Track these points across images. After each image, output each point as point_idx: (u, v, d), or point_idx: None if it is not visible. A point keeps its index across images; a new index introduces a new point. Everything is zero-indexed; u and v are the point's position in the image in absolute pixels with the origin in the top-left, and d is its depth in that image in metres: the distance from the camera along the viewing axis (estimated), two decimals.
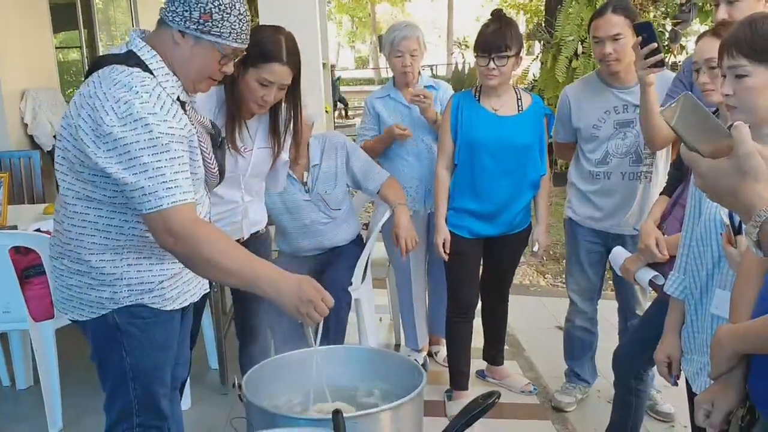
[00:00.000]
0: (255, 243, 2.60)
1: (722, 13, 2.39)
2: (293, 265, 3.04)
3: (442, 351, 3.57)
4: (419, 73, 3.35)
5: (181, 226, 1.62)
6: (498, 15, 2.92)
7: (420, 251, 3.28)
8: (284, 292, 1.60)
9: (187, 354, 2.18)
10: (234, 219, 2.58)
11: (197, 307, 2.19)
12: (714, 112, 2.01)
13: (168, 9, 1.72)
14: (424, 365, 3.37)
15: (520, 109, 2.95)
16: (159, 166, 1.61)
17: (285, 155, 2.64)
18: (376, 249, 3.37)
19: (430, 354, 3.64)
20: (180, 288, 1.91)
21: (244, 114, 2.46)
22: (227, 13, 1.71)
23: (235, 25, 1.73)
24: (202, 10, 1.68)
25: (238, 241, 2.43)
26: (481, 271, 3.19)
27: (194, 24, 1.70)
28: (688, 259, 1.92)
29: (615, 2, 2.82)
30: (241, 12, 1.75)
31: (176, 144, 1.65)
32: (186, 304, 1.95)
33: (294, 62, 2.33)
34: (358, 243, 3.27)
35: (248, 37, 1.80)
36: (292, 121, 2.52)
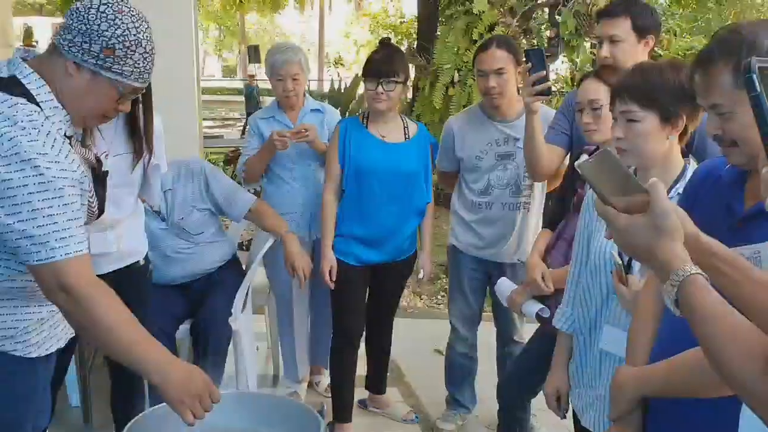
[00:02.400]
0: (131, 278, 2.36)
1: (605, 52, 2.50)
2: (169, 298, 2.89)
3: (324, 381, 3.50)
4: (304, 95, 3.28)
5: (77, 283, 1.46)
6: (387, 42, 2.98)
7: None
8: (172, 381, 1.49)
9: (49, 399, 1.97)
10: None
11: (66, 347, 1.99)
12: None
13: (64, 37, 1.53)
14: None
15: (407, 136, 2.97)
16: (50, 213, 1.44)
17: (162, 163, 2.40)
18: (256, 274, 3.24)
19: (310, 384, 3.55)
20: (47, 333, 1.71)
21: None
22: (132, 50, 1.55)
23: (138, 64, 1.57)
24: (104, 45, 1.52)
25: (107, 275, 2.18)
26: (366, 298, 3.15)
27: (93, 58, 1.52)
28: (577, 293, 1.97)
29: (499, 38, 2.93)
30: (147, 50, 1.58)
31: (69, 188, 1.48)
32: (52, 350, 1.76)
33: None
34: (236, 267, 3.13)
35: (150, 75, 1.65)
36: (145, 126, 2.24)
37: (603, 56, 2.49)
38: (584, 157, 1.13)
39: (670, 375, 1.35)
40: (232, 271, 3.08)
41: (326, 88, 12.72)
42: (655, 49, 2.76)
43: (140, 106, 2.21)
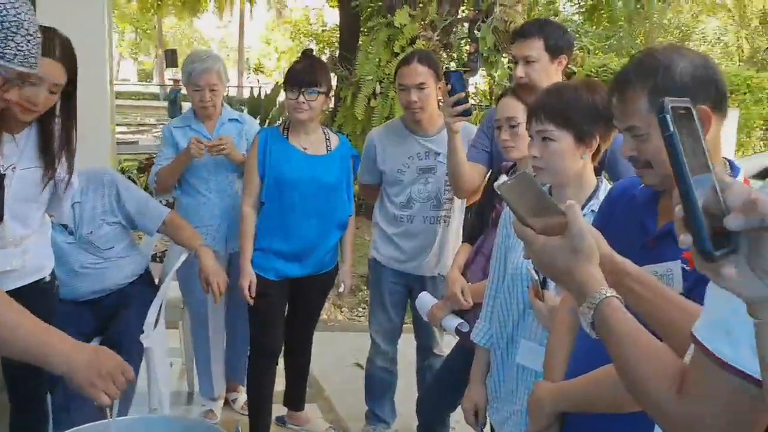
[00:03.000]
0: (37, 295, 2.20)
1: (520, 72, 2.55)
2: (77, 314, 2.75)
3: (241, 398, 3.40)
4: (222, 104, 3.20)
5: None
6: (309, 53, 2.95)
7: None
8: (78, 365, 1.39)
9: None
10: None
11: None
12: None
13: None
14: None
15: (328, 148, 2.94)
16: None
17: (63, 174, 2.22)
18: (170, 288, 3.13)
19: (227, 402, 3.45)
20: None
21: (11, 124, 2.06)
22: (12, 32, 1.46)
23: (22, 46, 1.48)
24: None
25: (11, 292, 2.06)
26: (285, 312, 3.09)
27: None
28: (495, 308, 2.00)
29: (420, 53, 2.95)
30: (30, 32, 1.49)
31: None
32: None
33: (69, 63, 2.02)
34: (148, 282, 3.01)
35: (38, 61, 1.56)
36: (66, 138, 2.16)
37: (518, 76, 2.54)
38: (503, 177, 1.13)
39: (588, 390, 1.37)
40: (144, 286, 2.96)
41: (246, 94, 12.56)
42: (569, 66, 2.84)
43: (57, 120, 2.11)
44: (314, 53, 2.96)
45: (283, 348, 3.14)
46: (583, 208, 1.76)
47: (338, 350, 4.22)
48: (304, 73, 2.78)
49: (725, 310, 0.80)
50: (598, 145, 1.77)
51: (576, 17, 15.70)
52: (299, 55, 2.94)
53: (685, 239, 0.69)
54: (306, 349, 3.23)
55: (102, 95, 3.80)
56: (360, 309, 5.19)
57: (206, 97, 3.04)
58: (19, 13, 1.48)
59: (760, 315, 0.70)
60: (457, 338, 2.48)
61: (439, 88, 2.80)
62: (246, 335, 3.08)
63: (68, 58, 2.03)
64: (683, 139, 0.71)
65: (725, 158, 1.37)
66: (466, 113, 2.52)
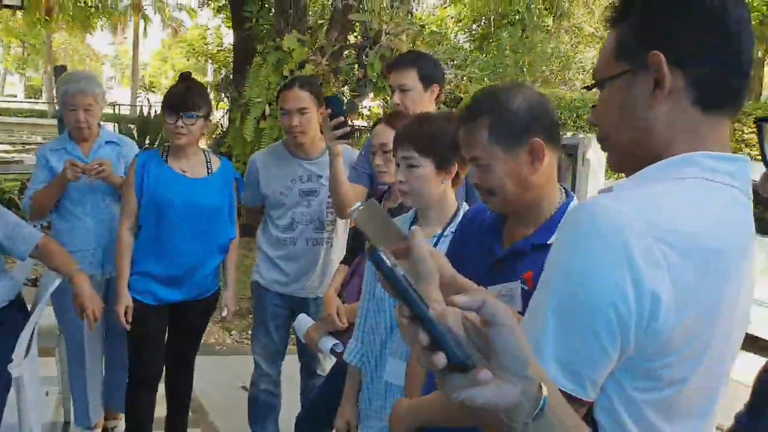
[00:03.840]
0: None
1: (396, 99, 2.69)
2: None
3: (120, 426, 3.32)
4: (99, 126, 3.15)
5: None
6: (187, 76, 2.93)
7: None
8: None
9: None
10: None
11: None
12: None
13: None
14: None
15: (209, 171, 2.94)
16: None
17: None
18: (44, 315, 3.02)
19: (105, 431, 3.35)
20: None
21: None
22: None
23: None
24: None
25: None
26: (166, 336, 3.05)
27: None
28: (365, 328, 2.07)
29: (302, 79, 3.03)
30: None
31: None
32: None
33: None
34: (20, 308, 2.90)
35: None
36: None
37: (395, 103, 2.67)
38: (358, 203, 1.20)
39: (444, 405, 1.44)
40: (14, 312, 2.83)
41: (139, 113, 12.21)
42: (461, 93, 3.00)
43: None
44: (192, 76, 2.95)
45: (164, 373, 3.10)
46: (444, 230, 1.87)
47: (225, 374, 4.19)
48: (181, 98, 2.77)
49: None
50: (458, 172, 1.89)
51: (467, 45, 16.33)
52: (177, 78, 2.94)
53: (438, 359, 0.68)
54: (187, 374, 3.19)
55: None
56: (249, 332, 5.15)
57: (81, 118, 2.99)
58: None
59: (514, 418, 0.72)
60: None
61: (321, 112, 2.88)
62: (125, 361, 3.01)
63: None
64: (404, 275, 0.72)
65: (561, 186, 1.51)
66: (345, 136, 2.61)
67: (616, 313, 0.86)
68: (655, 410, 0.93)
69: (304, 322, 2.61)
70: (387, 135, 2.37)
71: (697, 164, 0.95)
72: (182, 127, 2.76)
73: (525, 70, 11.35)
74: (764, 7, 14.10)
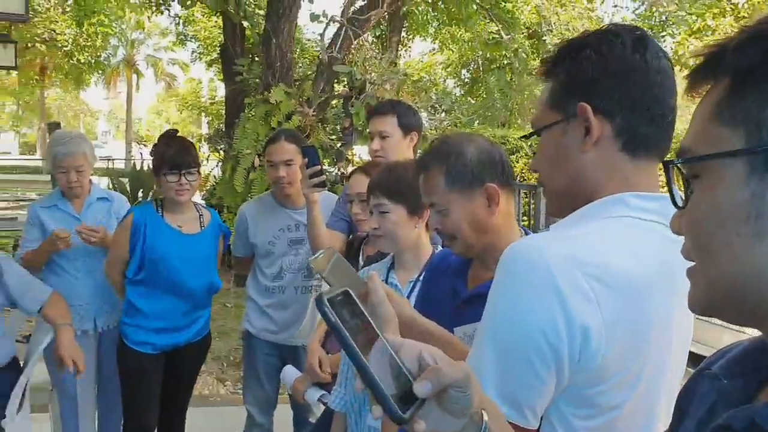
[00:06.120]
0: None
1: (376, 145, 2.76)
2: None
3: None
4: (90, 183, 3.22)
5: None
6: (175, 134, 3.03)
7: (89, 374, 3.05)
8: None
9: None
10: None
11: None
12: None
13: None
14: None
15: (202, 225, 3.01)
16: None
17: None
18: (36, 372, 3.04)
19: None
20: None
21: None
22: None
23: None
24: None
25: None
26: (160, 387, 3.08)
27: None
28: (349, 373, 2.11)
29: (287, 132, 3.12)
30: None
31: None
32: None
33: None
34: (14, 367, 2.92)
35: None
36: None
37: (374, 149, 2.75)
38: (319, 252, 1.27)
39: None
40: (5, 369, 2.86)
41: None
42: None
43: None
44: (177, 132, 3.05)
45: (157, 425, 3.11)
46: (420, 275, 1.93)
47: (219, 425, 4.17)
48: (181, 156, 2.85)
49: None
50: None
51: (456, 90, 16.60)
52: (165, 136, 3.00)
53: (376, 410, 0.72)
54: (180, 421, 3.21)
55: None
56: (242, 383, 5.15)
57: (72, 179, 3.05)
58: None
59: None
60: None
61: (299, 166, 2.95)
62: (119, 413, 3.03)
63: None
64: (348, 322, 0.76)
65: (521, 228, 1.58)
66: (321, 185, 2.68)
67: (547, 342, 0.92)
68: None
69: (290, 373, 2.64)
70: (362, 184, 2.45)
71: (625, 204, 1.02)
72: (185, 183, 2.84)
73: (514, 112, 11.55)
74: None
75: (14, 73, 24.65)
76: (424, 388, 0.71)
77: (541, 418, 0.98)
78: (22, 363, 3.01)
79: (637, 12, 16.01)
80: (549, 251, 0.94)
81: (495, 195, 1.47)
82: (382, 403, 0.72)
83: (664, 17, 14.84)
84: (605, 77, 1.03)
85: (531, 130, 1.15)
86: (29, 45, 23.62)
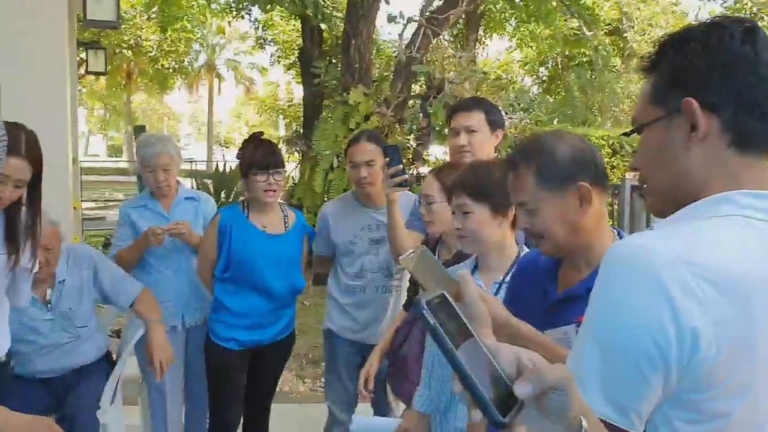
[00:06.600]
0: None
1: (462, 140, 2.73)
2: (32, 390, 2.78)
3: None
4: (177, 182, 3.32)
5: None
6: (261, 136, 3.07)
7: (177, 368, 3.15)
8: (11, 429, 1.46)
9: None
10: None
11: None
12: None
13: None
14: None
15: (286, 226, 3.06)
16: None
17: (26, 262, 2.34)
18: (128, 365, 3.16)
19: None
20: None
21: None
22: None
23: None
24: None
25: None
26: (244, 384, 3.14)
27: None
28: (433, 375, 2.09)
29: (368, 132, 3.14)
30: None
31: None
32: None
33: (33, 158, 2.15)
34: (107, 360, 3.05)
35: (3, 162, 1.68)
36: (31, 226, 2.28)
37: (460, 144, 2.71)
38: (409, 251, 1.26)
39: None
40: (101, 361, 2.99)
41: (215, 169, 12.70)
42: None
43: (24, 208, 2.21)
44: (263, 134, 3.12)
45: (241, 421, 3.18)
46: (506, 277, 1.90)
47: (299, 422, 4.23)
48: (269, 157, 2.91)
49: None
50: (515, 215, 1.92)
51: (534, 88, 16.34)
52: (252, 139, 3.06)
53: (475, 414, 0.72)
54: (265, 419, 3.27)
55: (64, 176, 3.91)
56: (322, 380, 5.20)
57: (160, 178, 3.15)
58: None
59: None
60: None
61: (381, 166, 2.96)
62: (205, 408, 3.11)
63: (33, 154, 2.15)
64: (445, 325, 0.75)
65: (614, 228, 1.53)
66: (403, 184, 2.68)
67: (655, 344, 0.88)
68: None
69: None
70: (431, 187, 2.44)
71: (735, 202, 0.97)
72: (273, 183, 2.90)
73: (595, 110, 11.28)
74: None
75: (103, 78, 25.82)
76: (525, 389, 0.70)
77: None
78: (114, 357, 3.14)
79: (725, 5, 15.36)
80: (656, 250, 0.91)
81: (587, 194, 1.43)
82: (481, 407, 0.72)
83: (755, 9, 14.18)
84: (713, 70, 0.98)
85: (631, 128, 1.11)
86: (117, 51, 24.66)
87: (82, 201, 7.84)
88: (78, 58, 7.94)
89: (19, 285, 2.38)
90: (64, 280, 2.84)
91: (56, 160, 3.52)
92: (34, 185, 2.21)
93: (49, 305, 2.81)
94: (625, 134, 1.16)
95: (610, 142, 8.94)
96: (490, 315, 1.11)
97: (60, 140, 3.79)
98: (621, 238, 1.50)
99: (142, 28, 23.75)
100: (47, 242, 2.64)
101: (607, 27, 13.59)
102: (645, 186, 1.10)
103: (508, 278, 1.87)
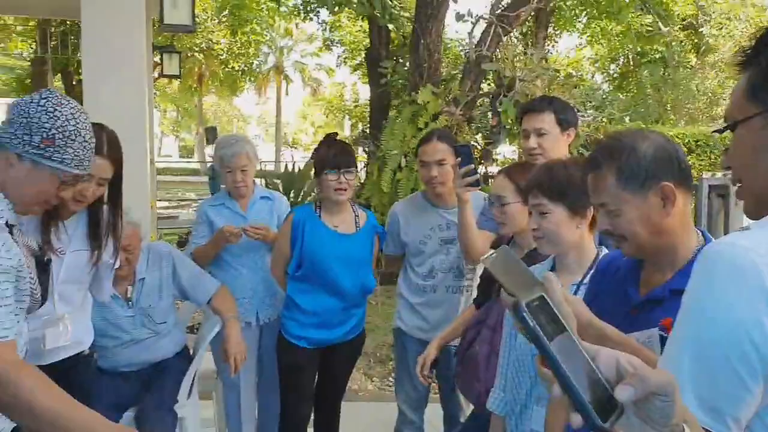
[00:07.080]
0: (76, 367, 2.37)
1: (532, 143, 2.69)
2: (113, 383, 2.88)
3: None
4: (253, 182, 3.39)
5: (1, 368, 1.49)
6: (335, 137, 3.09)
7: (251, 365, 3.22)
8: None
9: None
10: (37, 335, 2.22)
11: None
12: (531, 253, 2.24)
13: (5, 131, 1.64)
14: None
15: (357, 226, 3.08)
16: None
17: (107, 258, 2.43)
18: (204, 360, 3.25)
19: None
20: None
21: (62, 212, 2.25)
22: (71, 140, 1.66)
23: (78, 152, 1.68)
24: (44, 135, 1.62)
25: (52, 364, 2.22)
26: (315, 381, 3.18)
27: (34, 148, 1.63)
28: (508, 377, 2.07)
29: (439, 132, 3.12)
30: (86, 139, 1.70)
31: (1, 275, 1.54)
32: None
33: (115, 157, 2.23)
34: (184, 355, 3.14)
35: (90, 163, 1.75)
36: (113, 223, 2.35)
37: (531, 147, 2.68)
38: (490, 251, 1.24)
39: None
40: (178, 356, 3.08)
41: (283, 169, 12.91)
42: (597, 135, 2.97)
43: (106, 206, 2.31)
44: (338, 134, 3.15)
45: (312, 419, 3.22)
46: (584, 278, 1.86)
47: (368, 420, 4.25)
48: (342, 156, 2.94)
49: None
50: (593, 216, 1.87)
51: (605, 86, 15.97)
52: (326, 139, 3.08)
53: (575, 418, 0.71)
54: (334, 418, 3.30)
55: (143, 176, 4.04)
56: (390, 379, 5.22)
57: (238, 178, 3.23)
58: (78, 123, 1.68)
59: None
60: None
61: (452, 165, 2.95)
62: (277, 404, 3.16)
63: (114, 153, 2.23)
64: (545, 327, 0.74)
65: (698, 229, 1.47)
66: (475, 184, 2.66)
67: (754, 348, 0.85)
68: None
69: None
70: (503, 187, 2.40)
71: None
72: (344, 182, 2.92)
73: (669, 108, 10.94)
74: None
75: (176, 81, 26.57)
76: (627, 393, 0.69)
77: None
78: (191, 352, 3.23)
79: None
80: (754, 251, 0.88)
81: (671, 194, 1.38)
82: (582, 411, 0.70)
83: None
84: None
85: (724, 125, 1.07)
86: (189, 54, 25.33)
87: (157, 200, 8.10)
88: (153, 62, 8.19)
89: (102, 281, 2.47)
90: (144, 278, 2.94)
91: (135, 161, 3.64)
92: (115, 184, 2.29)
93: (129, 302, 2.91)
94: (717, 131, 1.12)
95: (686, 140, 8.67)
96: (575, 316, 1.10)
97: (139, 142, 3.92)
98: (705, 239, 1.45)
99: (213, 32, 24.31)
100: (128, 243, 2.74)
101: (682, 22, 13.15)
102: (739, 186, 1.06)
103: (586, 280, 1.83)
